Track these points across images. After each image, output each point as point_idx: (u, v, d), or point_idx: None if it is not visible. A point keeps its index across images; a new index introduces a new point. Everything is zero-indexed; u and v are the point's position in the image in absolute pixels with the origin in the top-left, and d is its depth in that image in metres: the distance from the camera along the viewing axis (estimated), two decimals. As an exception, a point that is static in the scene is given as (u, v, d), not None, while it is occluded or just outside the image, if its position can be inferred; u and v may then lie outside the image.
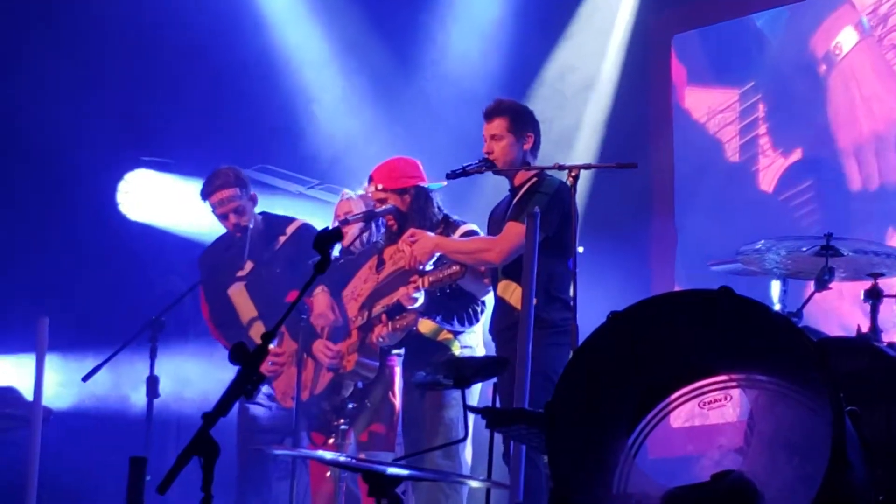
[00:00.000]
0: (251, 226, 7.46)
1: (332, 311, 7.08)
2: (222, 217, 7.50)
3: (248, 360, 3.45)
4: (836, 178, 8.01)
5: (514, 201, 6.32)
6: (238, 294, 7.53)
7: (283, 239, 7.53)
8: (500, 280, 6.29)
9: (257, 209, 7.60)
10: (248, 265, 7.53)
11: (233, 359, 3.46)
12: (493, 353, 6.37)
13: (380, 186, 6.73)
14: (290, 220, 7.66)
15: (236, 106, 9.28)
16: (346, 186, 7.67)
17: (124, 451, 4.52)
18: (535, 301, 5.61)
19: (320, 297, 7.09)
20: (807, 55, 8.27)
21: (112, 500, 7.30)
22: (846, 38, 8.06)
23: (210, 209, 7.56)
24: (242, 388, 3.45)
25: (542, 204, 6.04)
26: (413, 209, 6.71)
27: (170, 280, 9.03)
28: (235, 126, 9.23)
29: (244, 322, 7.49)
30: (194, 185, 8.88)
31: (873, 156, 7.82)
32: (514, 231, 6.10)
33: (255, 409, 7.38)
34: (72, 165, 9.05)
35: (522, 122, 6.38)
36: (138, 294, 8.91)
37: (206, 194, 7.53)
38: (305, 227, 7.53)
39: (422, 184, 6.76)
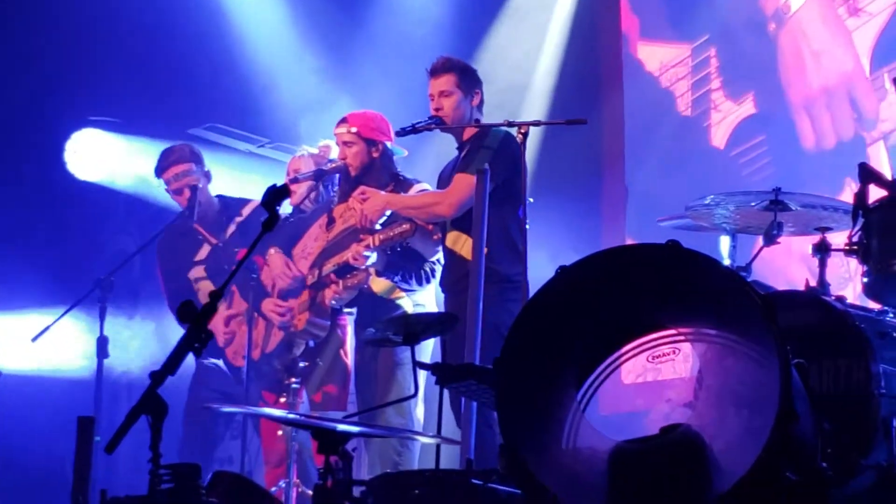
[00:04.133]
0: (203, 200, 7.41)
1: (288, 268, 7.04)
2: (176, 192, 7.47)
3: (196, 318, 3.44)
4: (788, 133, 8.01)
5: (462, 155, 6.30)
6: (199, 277, 7.49)
7: (238, 220, 7.49)
8: (450, 231, 6.26)
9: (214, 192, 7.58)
10: (206, 248, 7.48)
11: (181, 317, 3.45)
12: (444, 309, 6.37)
13: (353, 129, 6.68)
14: (246, 201, 7.61)
15: (186, 66, 9.18)
16: (296, 146, 7.64)
17: (73, 411, 4.49)
18: (486, 250, 5.61)
19: (275, 258, 7.06)
20: (756, 10, 8.26)
21: (61, 460, 7.31)
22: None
23: (164, 186, 7.51)
24: (190, 346, 3.44)
25: (489, 158, 6.03)
26: (380, 164, 6.69)
27: (119, 240, 8.98)
28: (185, 86, 9.14)
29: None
30: (143, 145, 8.84)
31: (825, 110, 7.82)
32: (464, 182, 6.08)
33: (209, 368, 7.35)
34: (18, 125, 8.94)
35: (470, 79, 6.38)
36: (87, 254, 8.85)
37: (160, 170, 7.52)
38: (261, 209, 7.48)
39: (388, 143, 6.74)
